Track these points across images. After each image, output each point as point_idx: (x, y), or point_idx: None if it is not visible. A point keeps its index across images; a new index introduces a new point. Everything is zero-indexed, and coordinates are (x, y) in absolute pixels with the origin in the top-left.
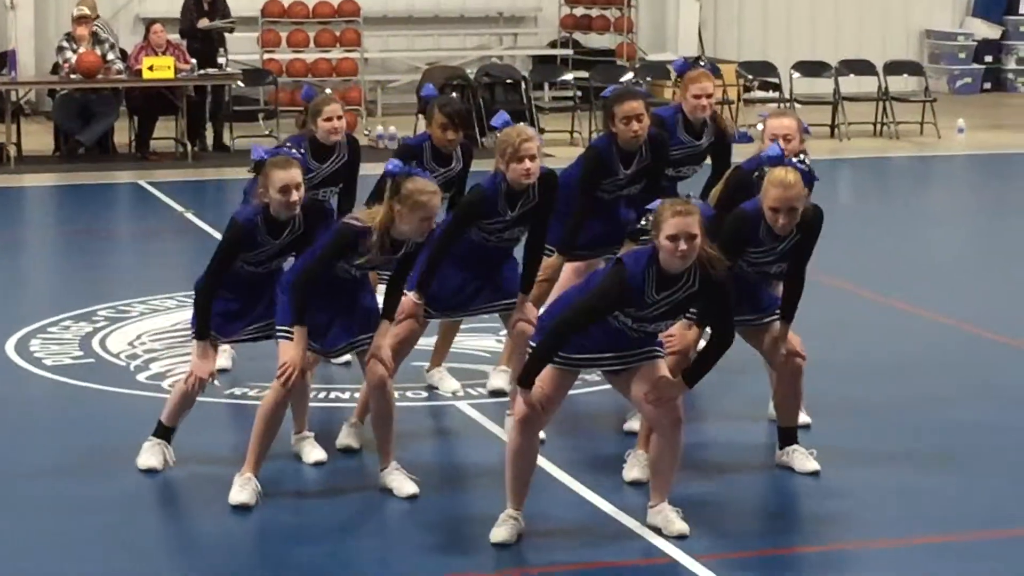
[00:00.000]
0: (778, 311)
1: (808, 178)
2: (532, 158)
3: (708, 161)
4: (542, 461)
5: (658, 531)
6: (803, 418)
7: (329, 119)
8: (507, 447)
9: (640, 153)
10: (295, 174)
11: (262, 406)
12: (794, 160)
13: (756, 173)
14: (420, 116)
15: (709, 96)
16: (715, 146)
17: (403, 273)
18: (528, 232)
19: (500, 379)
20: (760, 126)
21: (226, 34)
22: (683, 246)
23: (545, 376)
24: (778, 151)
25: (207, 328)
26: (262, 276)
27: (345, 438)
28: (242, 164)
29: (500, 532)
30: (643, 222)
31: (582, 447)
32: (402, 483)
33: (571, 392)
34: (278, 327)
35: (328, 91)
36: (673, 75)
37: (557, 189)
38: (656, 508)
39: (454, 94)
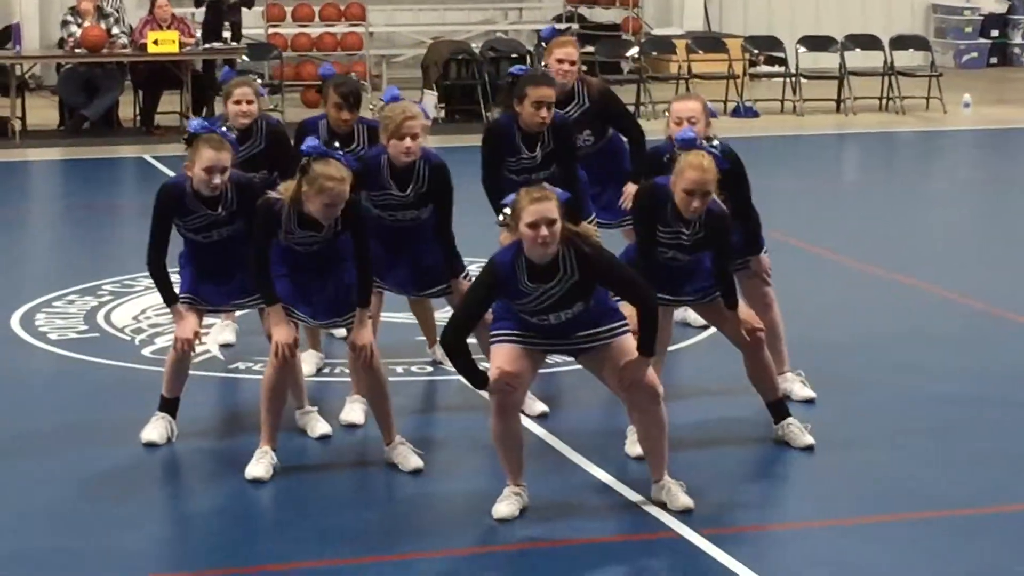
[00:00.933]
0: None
1: (720, 162)
2: (414, 136)
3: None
4: (545, 435)
5: (663, 506)
6: (806, 392)
7: (238, 102)
8: (491, 432)
9: (543, 138)
10: (223, 157)
11: (263, 381)
12: (705, 144)
13: (667, 156)
14: (423, 92)
15: (572, 63)
16: (593, 112)
17: (360, 252)
18: (433, 215)
19: None
20: (666, 111)
21: (244, 9)
22: (544, 232)
23: (503, 355)
24: (691, 134)
25: (171, 294)
26: (220, 247)
27: (348, 414)
28: None
29: (502, 508)
30: (501, 216)
31: (584, 420)
32: (407, 457)
33: (572, 366)
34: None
35: (252, 76)
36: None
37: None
38: (660, 483)
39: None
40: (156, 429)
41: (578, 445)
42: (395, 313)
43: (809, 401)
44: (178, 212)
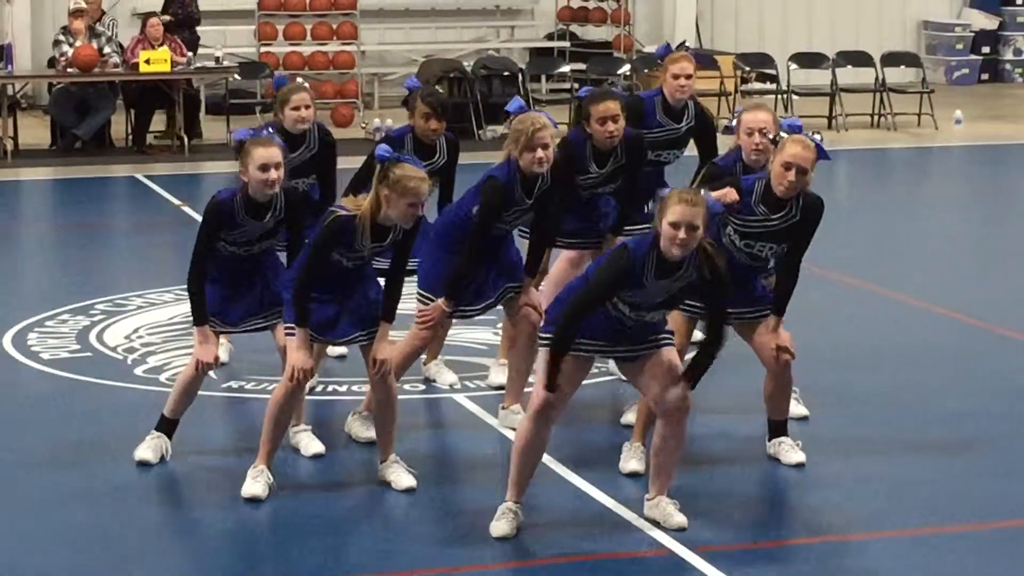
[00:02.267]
0: (770, 306)
1: (822, 152)
2: (545, 147)
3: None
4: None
5: (656, 524)
6: (799, 409)
7: (296, 108)
8: (517, 439)
9: (615, 153)
10: (275, 152)
11: (271, 400)
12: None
13: (737, 164)
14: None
15: (688, 77)
16: (697, 130)
17: (399, 266)
18: (535, 215)
19: (501, 374)
20: (735, 121)
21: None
22: (683, 235)
23: (565, 370)
24: (799, 123)
25: (204, 314)
26: (250, 262)
27: (357, 429)
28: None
29: (500, 526)
30: (650, 205)
31: (578, 439)
32: (400, 476)
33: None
34: (285, 323)
35: (300, 80)
36: None
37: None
38: (654, 501)
39: (438, 87)
40: (150, 448)
41: (571, 463)
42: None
43: (803, 419)
44: (228, 226)
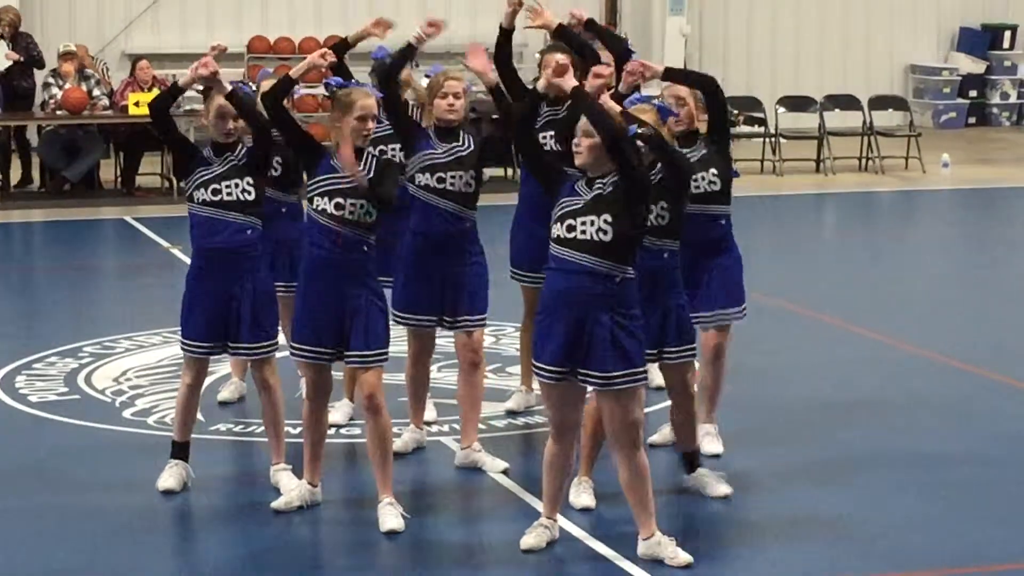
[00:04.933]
0: (691, 348)
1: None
2: (456, 95)
3: None
4: (509, 484)
5: (656, 562)
6: (715, 447)
7: (445, 96)
8: (545, 455)
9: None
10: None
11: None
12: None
13: None
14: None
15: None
16: None
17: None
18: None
19: (520, 399)
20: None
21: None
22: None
23: (553, 400)
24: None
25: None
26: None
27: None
28: None
29: (529, 539)
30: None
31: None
32: (386, 517)
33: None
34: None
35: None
36: None
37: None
38: (650, 540)
39: None
40: (173, 476)
41: (533, 489)
42: None
43: (715, 456)
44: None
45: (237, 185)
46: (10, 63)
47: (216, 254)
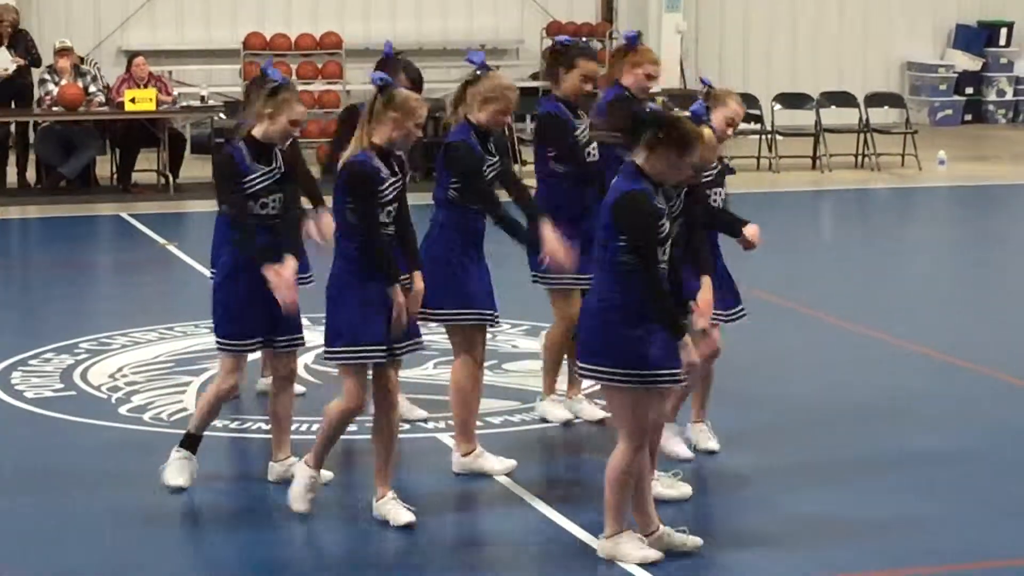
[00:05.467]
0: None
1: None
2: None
3: None
4: (519, 489)
5: (668, 553)
6: (712, 444)
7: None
8: (625, 473)
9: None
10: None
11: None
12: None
13: None
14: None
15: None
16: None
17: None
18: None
19: (558, 408)
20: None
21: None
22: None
23: (628, 407)
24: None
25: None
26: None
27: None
28: None
29: (651, 554)
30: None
31: (561, 477)
32: (398, 513)
33: (553, 423)
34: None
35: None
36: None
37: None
38: (657, 534)
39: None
40: (183, 472)
41: (551, 499)
42: None
43: (712, 452)
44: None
45: (281, 199)
46: (15, 67)
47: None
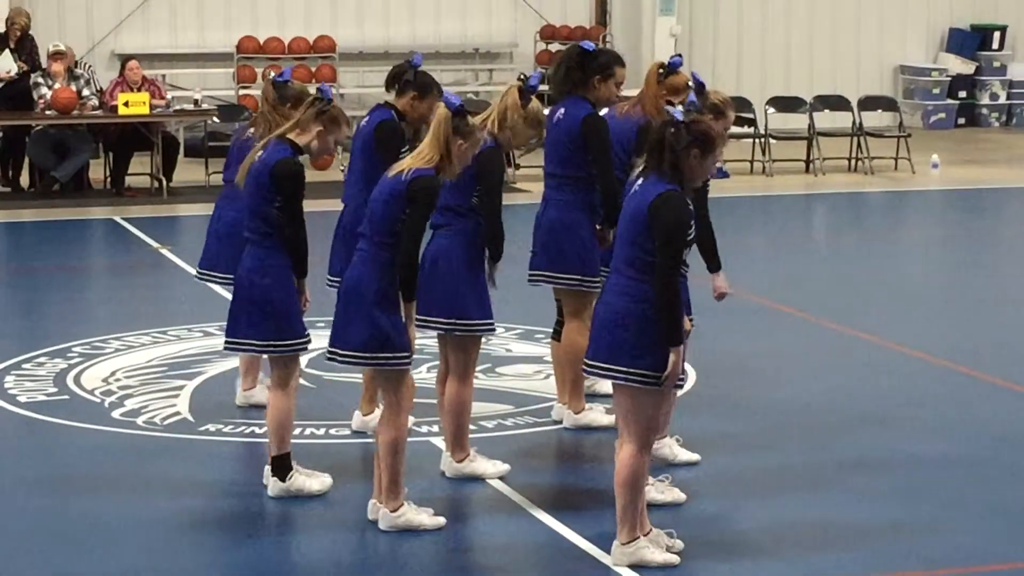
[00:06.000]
0: None
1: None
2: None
3: None
4: (516, 496)
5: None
6: (690, 456)
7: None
8: (627, 475)
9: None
10: None
11: (394, 438)
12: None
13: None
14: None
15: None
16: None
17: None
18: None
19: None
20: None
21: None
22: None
23: (650, 408)
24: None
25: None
26: None
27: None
28: None
29: (672, 557)
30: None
31: (555, 482)
32: (422, 516)
33: (547, 427)
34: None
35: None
36: None
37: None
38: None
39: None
40: (314, 480)
41: (545, 504)
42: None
43: (692, 464)
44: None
45: None
46: (20, 72)
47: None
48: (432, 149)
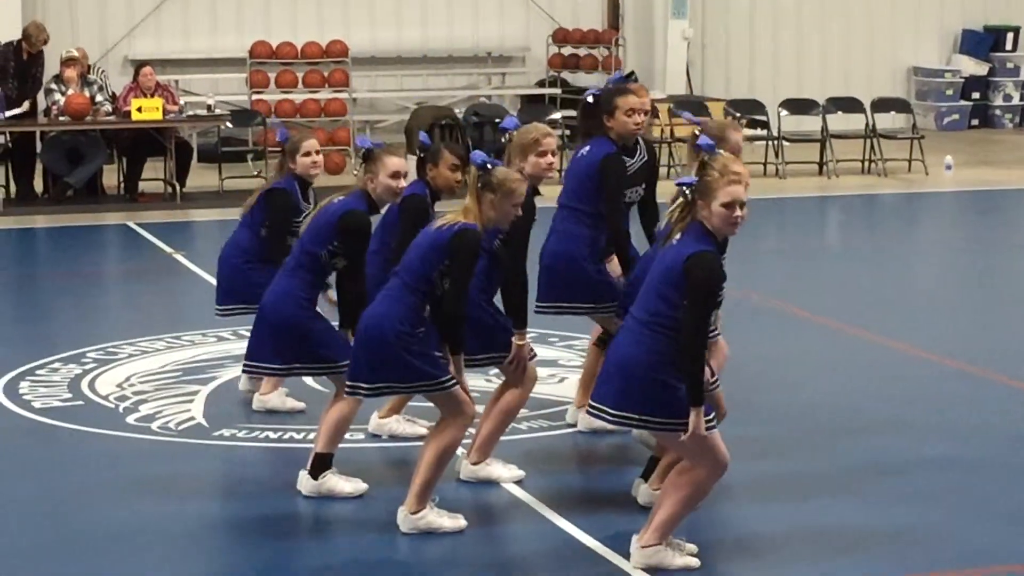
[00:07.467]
0: None
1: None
2: (553, 153)
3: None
4: (531, 499)
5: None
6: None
7: (308, 154)
8: (689, 491)
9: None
10: (404, 162)
11: (446, 446)
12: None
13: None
14: (407, 157)
15: (646, 112)
16: (649, 164)
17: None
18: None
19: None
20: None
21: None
22: (738, 212)
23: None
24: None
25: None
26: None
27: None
28: (232, 205)
29: (692, 560)
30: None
31: (571, 485)
32: (443, 519)
33: (558, 431)
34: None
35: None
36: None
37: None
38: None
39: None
40: (347, 481)
41: (560, 507)
42: None
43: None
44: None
45: None
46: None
47: None
48: (471, 204)
